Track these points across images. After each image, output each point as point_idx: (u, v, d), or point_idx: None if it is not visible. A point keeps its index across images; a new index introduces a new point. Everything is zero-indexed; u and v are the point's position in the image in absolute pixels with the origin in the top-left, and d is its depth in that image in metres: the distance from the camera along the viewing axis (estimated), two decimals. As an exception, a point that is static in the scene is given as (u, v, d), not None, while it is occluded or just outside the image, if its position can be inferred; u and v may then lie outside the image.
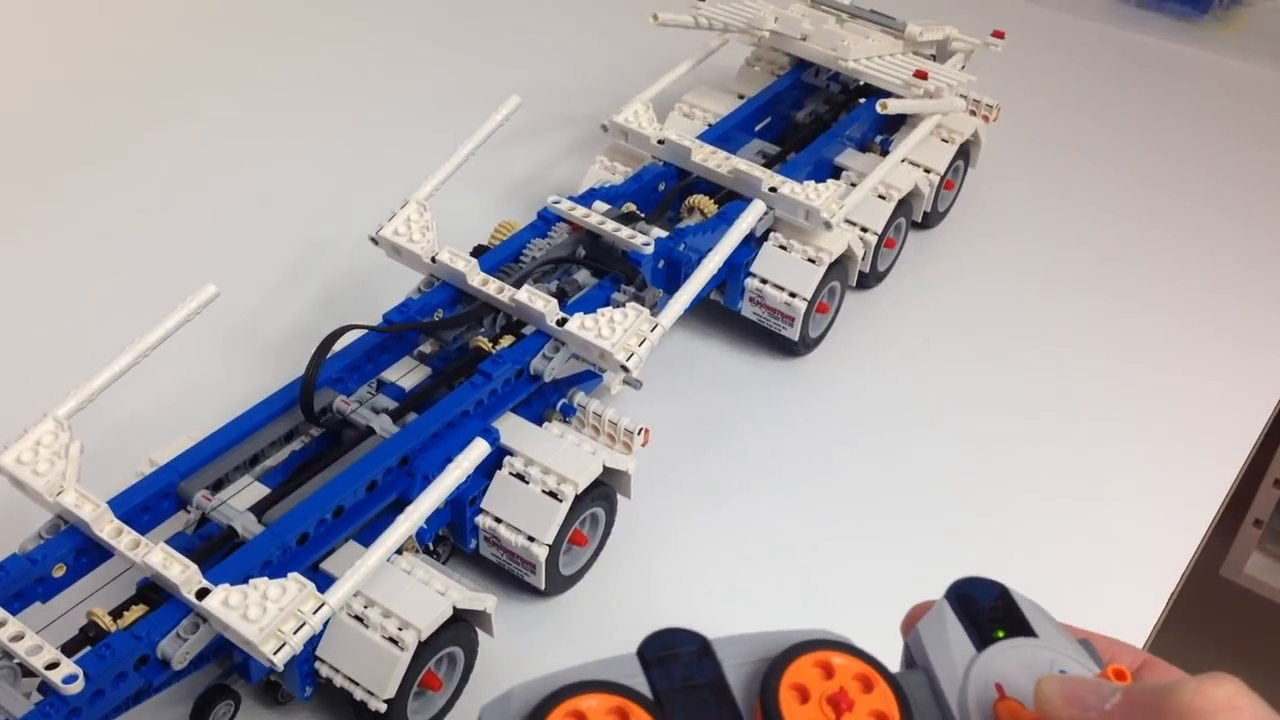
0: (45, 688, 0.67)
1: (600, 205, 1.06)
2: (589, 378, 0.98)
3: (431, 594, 0.78)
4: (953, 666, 0.43)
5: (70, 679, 0.65)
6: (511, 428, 0.89)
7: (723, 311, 1.16)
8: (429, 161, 1.05)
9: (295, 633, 0.68)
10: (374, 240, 0.98)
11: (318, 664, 0.77)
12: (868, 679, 0.39)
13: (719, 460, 1.06)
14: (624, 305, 0.90)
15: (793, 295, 1.10)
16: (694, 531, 0.99)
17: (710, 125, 1.26)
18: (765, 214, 1.09)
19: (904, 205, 1.23)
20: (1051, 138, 1.54)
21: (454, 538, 0.90)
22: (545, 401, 0.94)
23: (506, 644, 0.84)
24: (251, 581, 0.69)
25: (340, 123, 1.48)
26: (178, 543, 0.76)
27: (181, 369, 1.08)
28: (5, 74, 1.52)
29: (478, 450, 0.78)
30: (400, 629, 0.76)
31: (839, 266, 1.14)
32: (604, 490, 0.91)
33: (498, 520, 0.87)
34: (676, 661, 0.40)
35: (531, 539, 0.86)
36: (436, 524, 0.86)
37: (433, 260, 0.94)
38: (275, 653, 0.67)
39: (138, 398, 1.02)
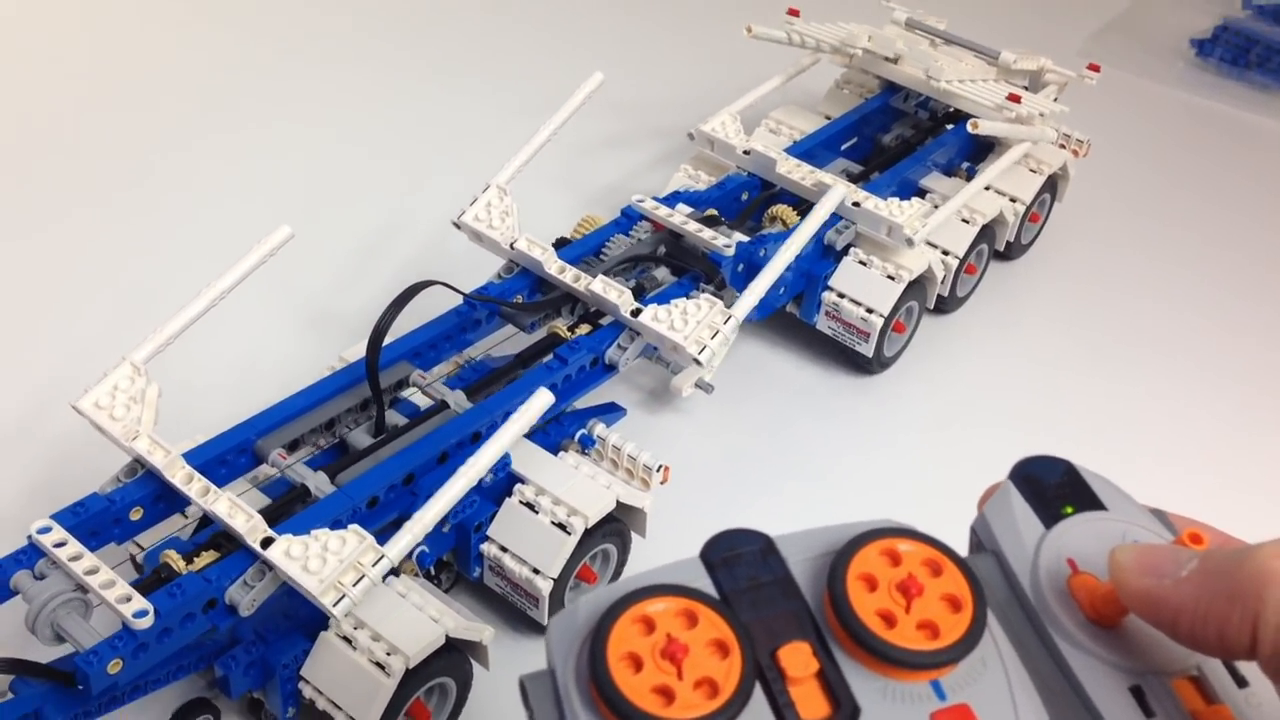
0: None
1: (683, 208, 1.07)
2: (611, 410, 0.96)
3: (424, 620, 0.75)
4: (1022, 546, 0.41)
5: (141, 614, 0.67)
6: (525, 455, 0.86)
7: (798, 325, 1.16)
8: (510, 153, 1.06)
9: (355, 585, 0.68)
10: (456, 225, 0.99)
11: (302, 684, 0.75)
12: (936, 563, 0.38)
13: (782, 469, 1.06)
14: (698, 297, 0.90)
15: (870, 311, 1.10)
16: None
17: (796, 142, 1.26)
18: (846, 229, 1.10)
19: (987, 231, 1.23)
20: (1131, 196, 1.50)
21: (458, 564, 0.87)
22: (563, 431, 0.91)
23: (503, 679, 0.79)
24: (313, 533, 0.70)
25: (427, 115, 1.52)
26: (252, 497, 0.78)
27: (255, 344, 1.11)
28: (122, 52, 1.58)
29: (541, 400, 0.76)
30: (388, 654, 0.73)
31: (918, 286, 1.13)
32: (617, 526, 0.87)
33: (503, 549, 0.83)
34: (740, 561, 0.39)
35: (536, 571, 0.82)
36: (440, 548, 0.83)
37: (511, 246, 0.96)
38: (335, 604, 0.68)
39: (212, 367, 1.06)
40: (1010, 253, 1.33)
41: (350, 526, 0.70)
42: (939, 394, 1.17)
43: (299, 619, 0.76)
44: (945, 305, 1.24)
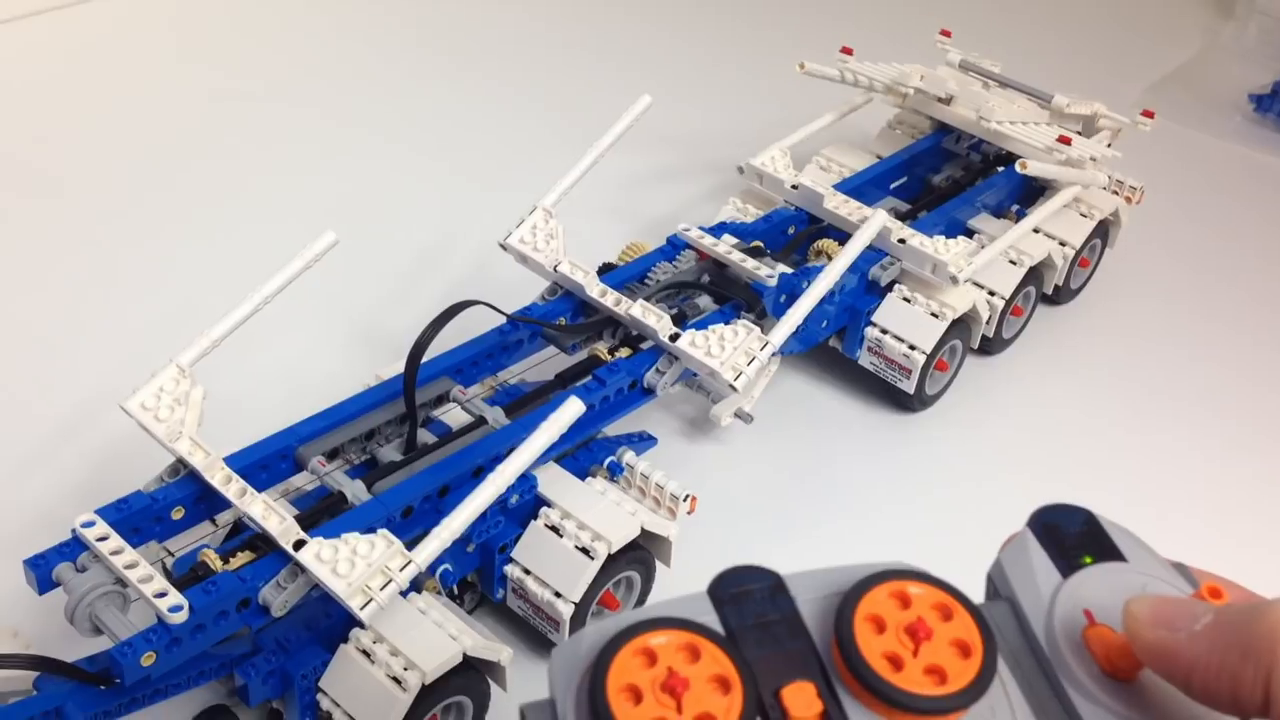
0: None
1: (729, 238, 1.08)
2: (643, 440, 0.97)
3: (443, 637, 0.76)
4: (1038, 595, 0.41)
5: (176, 609, 0.68)
6: (553, 479, 0.87)
7: (840, 359, 1.16)
8: (559, 177, 1.08)
9: (382, 589, 0.69)
10: (503, 247, 1.01)
11: (320, 695, 0.76)
12: (946, 608, 0.38)
13: (817, 506, 1.06)
14: (735, 323, 0.91)
15: (912, 348, 1.10)
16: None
17: (845, 179, 1.27)
18: (891, 265, 1.10)
19: (1034, 274, 1.22)
20: (1183, 249, 1.48)
21: (482, 585, 0.87)
22: (593, 457, 0.91)
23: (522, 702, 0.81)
24: (343, 536, 0.71)
25: (480, 138, 1.56)
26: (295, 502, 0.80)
27: (305, 360, 1.14)
28: (172, 59, 1.63)
29: (572, 409, 0.75)
30: (405, 669, 0.73)
31: (962, 325, 1.13)
32: (641, 554, 0.87)
33: (526, 571, 0.84)
34: (749, 598, 0.39)
35: (558, 595, 0.83)
36: (464, 568, 0.84)
37: (555, 269, 0.97)
38: (362, 608, 0.69)
39: (263, 379, 1.09)
40: (1059, 297, 1.32)
41: (379, 531, 0.71)
42: (979, 436, 1.16)
43: (319, 630, 0.78)
44: (991, 346, 1.23)
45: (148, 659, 0.68)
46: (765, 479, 1.08)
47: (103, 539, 0.73)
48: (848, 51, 1.33)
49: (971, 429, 1.16)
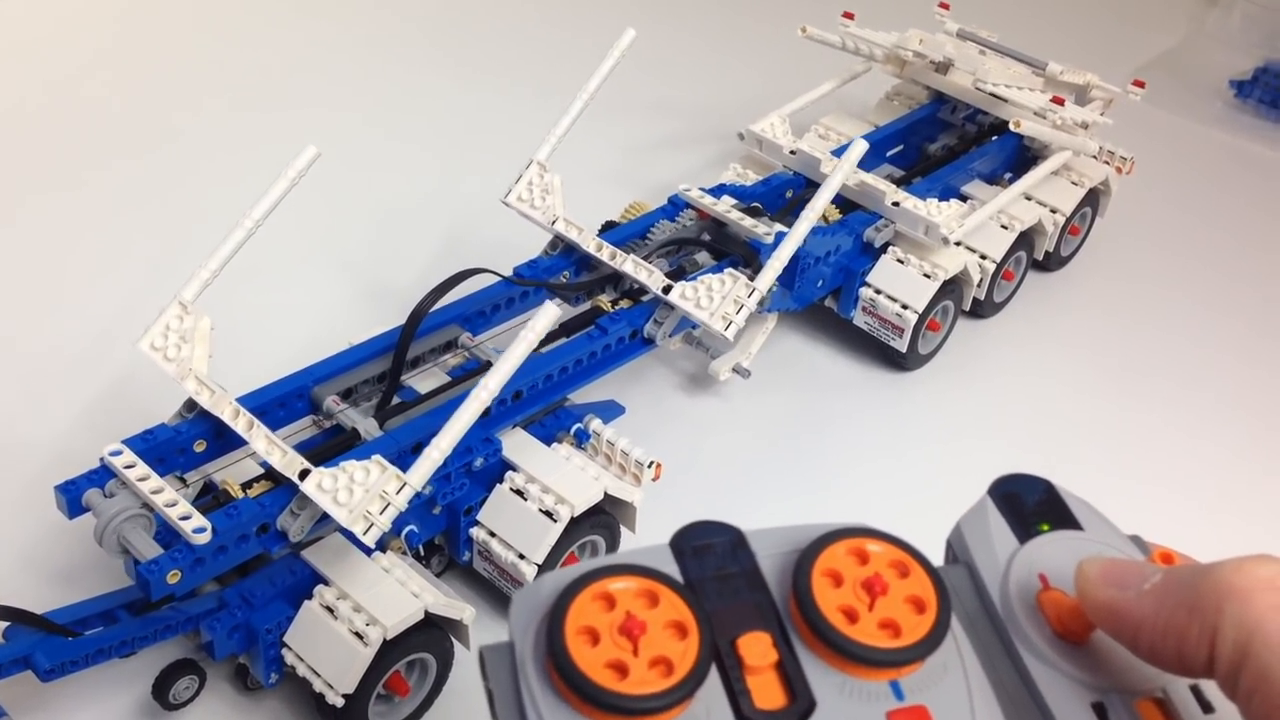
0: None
1: (728, 199, 1.12)
2: (610, 408, 0.98)
3: (405, 594, 0.78)
4: (994, 558, 0.41)
5: (200, 530, 0.72)
6: (519, 444, 0.89)
7: (836, 319, 1.20)
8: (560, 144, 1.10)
9: (381, 513, 0.72)
10: (505, 203, 1.05)
11: (284, 650, 0.78)
12: (903, 565, 0.38)
13: (808, 455, 1.09)
14: (723, 271, 0.94)
15: (905, 307, 1.13)
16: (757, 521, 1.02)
17: (841, 145, 1.31)
18: (885, 227, 1.14)
19: (1025, 239, 1.26)
20: (1165, 229, 1.51)
21: (448, 548, 0.89)
22: (559, 424, 0.93)
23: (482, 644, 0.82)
24: (341, 464, 0.74)
25: (478, 116, 1.60)
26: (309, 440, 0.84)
27: (310, 317, 1.18)
28: (175, 26, 1.67)
29: (547, 316, 0.75)
30: (367, 624, 0.75)
31: (954, 287, 1.17)
32: (605, 519, 0.88)
33: (491, 534, 0.86)
34: (710, 552, 0.39)
35: (522, 556, 0.84)
36: (430, 530, 0.86)
37: (553, 225, 1.01)
38: (364, 533, 0.72)
39: (270, 340, 1.12)
40: (1049, 264, 1.35)
41: (373, 457, 0.74)
42: (970, 397, 1.19)
43: (284, 586, 0.80)
44: (983, 310, 1.27)
45: (173, 576, 0.72)
46: (762, 434, 1.12)
47: (130, 466, 0.77)
48: (849, 16, 1.36)
49: (963, 389, 1.20)
